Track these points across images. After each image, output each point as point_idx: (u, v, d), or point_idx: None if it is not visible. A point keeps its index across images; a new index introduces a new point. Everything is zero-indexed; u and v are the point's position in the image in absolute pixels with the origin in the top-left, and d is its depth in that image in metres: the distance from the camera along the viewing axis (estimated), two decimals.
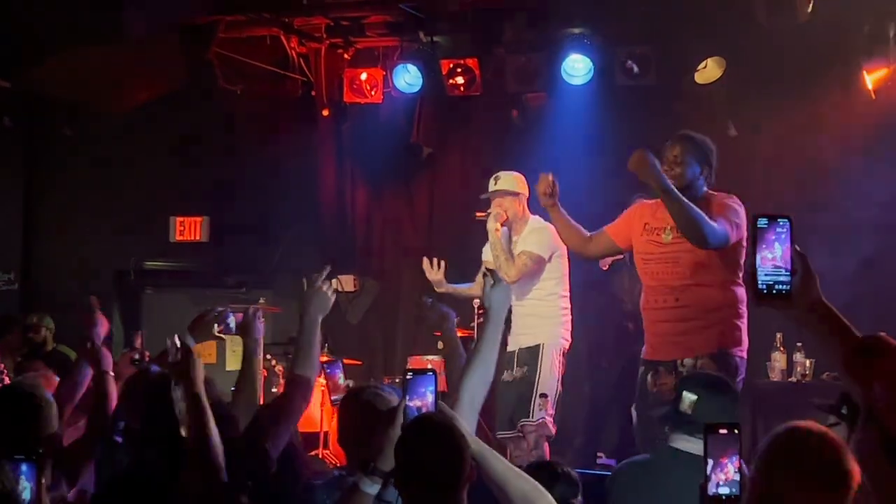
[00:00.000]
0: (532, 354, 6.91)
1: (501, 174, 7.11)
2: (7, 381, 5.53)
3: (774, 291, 2.39)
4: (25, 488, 2.67)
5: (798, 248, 2.41)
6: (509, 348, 7.01)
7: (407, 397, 3.23)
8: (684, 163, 5.88)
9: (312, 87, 10.36)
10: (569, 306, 7.06)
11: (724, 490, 2.63)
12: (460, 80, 9.45)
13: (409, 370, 3.31)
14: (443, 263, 7.30)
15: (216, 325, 4.51)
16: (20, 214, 11.07)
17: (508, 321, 7.01)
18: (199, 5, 9.58)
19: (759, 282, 2.39)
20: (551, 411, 6.85)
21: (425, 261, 7.39)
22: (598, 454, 8.48)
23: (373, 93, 9.87)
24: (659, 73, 8.85)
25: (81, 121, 10.61)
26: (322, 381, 9.06)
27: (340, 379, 9.06)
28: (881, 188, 7.96)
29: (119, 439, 4.34)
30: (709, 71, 8.81)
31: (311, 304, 4.09)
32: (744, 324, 5.91)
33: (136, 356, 5.33)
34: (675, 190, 5.66)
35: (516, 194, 7.04)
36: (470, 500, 3.18)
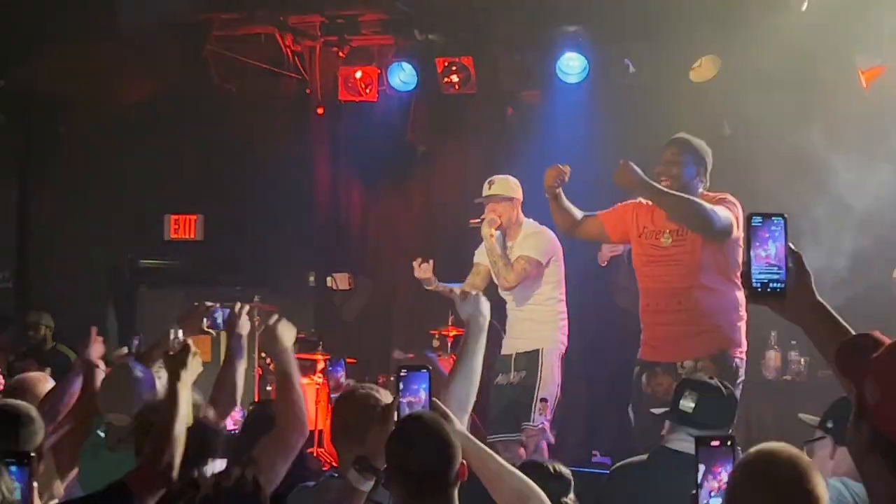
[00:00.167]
0: (531, 359, 6.88)
1: (495, 178, 7.05)
2: (1, 381, 5.52)
3: (769, 289, 2.39)
4: (15, 489, 2.68)
5: (792, 246, 2.41)
6: (505, 352, 7.01)
7: (400, 394, 3.22)
8: (681, 163, 5.92)
9: (307, 85, 10.37)
10: (566, 310, 7.04)
11: (715, 501, 2.64)
12: (455, 78, 9.44)
13: (403, 367, 3.31)
14: (431, 262, 7.22)
15: (204, 321, 4.51)
16: (14, 212, 11.05)
17: (504, 324, 7.03)
18: (193, 3, 9.57)
19: (754, 280, 2.39)
20: (550, 416, 6.83)
21: (415, 262, 7.29)
22: (593, 452, 8.49)
23: (368, 91, 9.86)
24: (654, 71, 8.85)
25: (76, 118, 10.60)
26: (317, 378, 9.08)
27: (342, 378, 9.10)
28: (877, 184, 7.96)
29: (102, 434, 4.36)
30: (703, 69, 8.81)
31: (280, 338, 4.05)
32: (743, 325, 5.92)
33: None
34: (664, 189, 5.72)
35: (510, 199, 6.98)
36: (465, 497, 3.18)
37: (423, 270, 7.22)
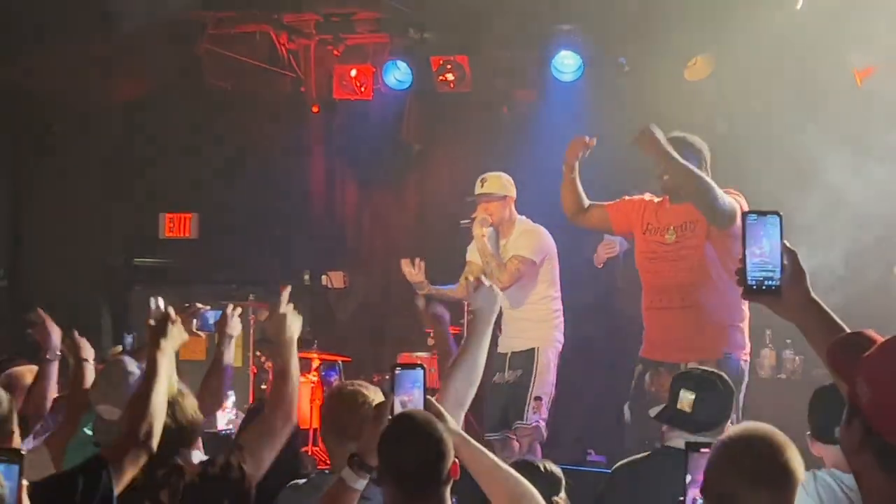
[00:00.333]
0: (527, 358, 6.86)
1: (488, 176, 6.99)
2: None
3: (764, 287, 2.40)
4: (4, 488, 2.67)
5: (787, 244, 2.41)
6: (500, 350, 6.97)
7: (394, 392, 3.22)
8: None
9: (302, 83, 10.36)
10: (561, 307, 7.01)
11: None
12: (450, 76, 9.44)
13: (397, 365, 3.30)
14: (422, 264, 7.09)
15: (194, 322, 4.51)
16: (8, 211, 11.03)
17: (499, 323, 7.01)
18: (188, 1, 9.55)
19: (749, 277, 2.40)
20: (545, 415, 6.80)
21: (404, 262, 7.12)
22: (588, 451, 8.49)
23: (362, 89, 9.86)
24: (648, 69, 8.85)
25: (70, 117, 10.57)
26: (311, 377, 9.08)
27: (336, 382, 9.10)
28: (872, 182, 7.96)
29: (90, 432, 4.36)
30: (698, 67, 8.81)
31: (285, 327, 3.95)
32: (746, 324, 5.90)
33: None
34: (680, 159, 5.70)
35: (503, 197, 6.93)
36: (460, 496, 3.18)
37: (415, 274, 7.05)
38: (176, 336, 3.66)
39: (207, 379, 4.55)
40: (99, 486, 3.20)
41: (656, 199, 6.14)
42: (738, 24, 8.36)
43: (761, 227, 2.41)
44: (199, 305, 4.62)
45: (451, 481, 3.04)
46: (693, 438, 3.96)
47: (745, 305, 5.84)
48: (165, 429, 3.48)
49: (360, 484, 3.18)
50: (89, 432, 4.36)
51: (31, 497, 2.74)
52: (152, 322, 3.74)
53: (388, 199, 10.69)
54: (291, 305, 3.96)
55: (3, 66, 9.55)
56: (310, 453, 8.61)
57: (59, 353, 4.90)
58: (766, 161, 8.74)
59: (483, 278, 3.78)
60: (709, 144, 6.11)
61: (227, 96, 10.29)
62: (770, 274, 2.39)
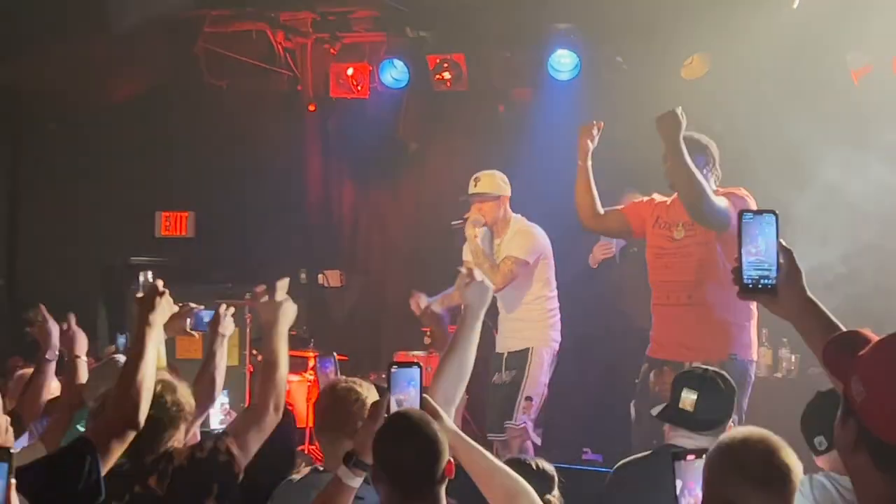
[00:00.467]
0: (521, 358, 6.83)
1: (481, 175, 6.93)
2: None
3: (760, 286, 2.40)
4: None
5: (783, 243, 2.42)
6: (498, 350, 6.98)
7: (390, 391, 3.22)
8: None
9: (298, 81, 10.36)
10: (557, 306, 6.98)
11: None
12: (447, 75, 9.44)
13: (394, 363, 3.30)
14: (423, 297, 6.76)
15: (188, 321, 4.50)
16: (5, 210, 11.03)
17: (495, 321, 6.99)
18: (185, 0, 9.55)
19: (745, 276, 2.41)
20: (534, 416, 6.76)
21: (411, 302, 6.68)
22: (584, 449, 8.49)
23: (359, 88, 9.86)
24: (645, 68, 8.86)
25: (66, 115, 10.57)
26: (308, 375, 9.08)
27: (332, 375, 9.08)
28: (869, 180, 7.97)
29: (83, 429, 4.36)
30: (695, 66, 8.81)
31: (279, 315, 3.96)
32: (754, 324, 5.87)
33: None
34: (685, 155, 5.69)
35: (497, 197, 6.87)
36: (457, 494, 3.18)
37: (421, 305, 6.92)
38: (165, 309, 3.61)
39: (199, 378, 4.55)
40: (85, 468, 3.18)
41: (667, 200, 6.14)
42: (734, 23, 8.36)
43: (757, 226, 2.41)
44: (193, 305, 4.62)
45: (447, 480, 3.04)
46: (694, 437, 3.98)
47: (754, 305, 5.80)
48: (156, 416, 3.45)
49: (356, 482, 3.18)
50: (82, 429, 4.37)
51: (17, 481, 2.72)
52: (140, 295, 3.70)
53: (384, 197, 10.69)
54: (287, 295, 3.98)
55: (1, 65, 9.54)
56: (306, 452, 8.60)
57: (57, 352, 4.89)
58: (762, 160, 8.75)
59: (475, 272, 3.76)
60: None
61: (223, 95, 10.29)
62: (766, 273, 2.40)
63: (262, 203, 10.54)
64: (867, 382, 2.03)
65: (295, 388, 9.09)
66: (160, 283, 3.64)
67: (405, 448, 3.02)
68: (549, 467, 3.97)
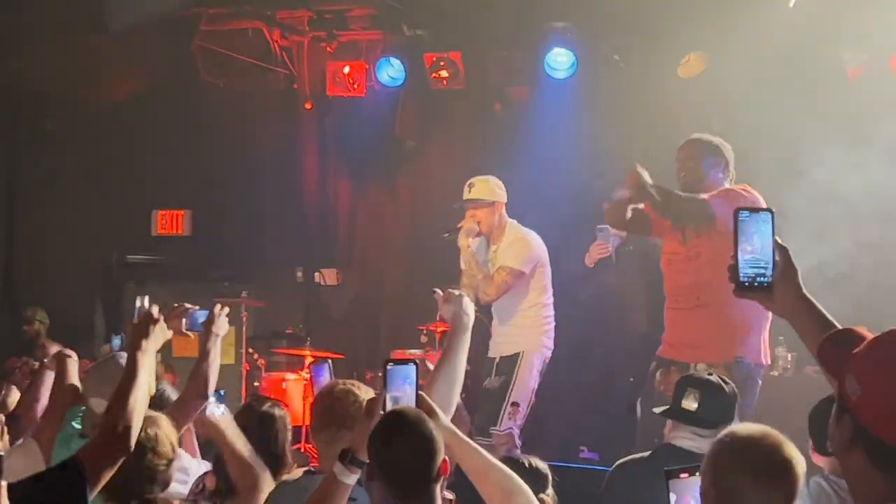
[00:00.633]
0: (511, 363, 6.74)
1: (475, 181, 6.78)
2: None
3: (756, 284, 2.40)
4: None
5: (779, 241, 2.42)
6: (490, 354, 6.90)
7: (386, 388, 3.22)
8: (694, 158, 6.04)
9: (295, 80, 10.35)
10: (552, 314, 6.89)
11: None
12: (444, 73, 9.44)
13: (390, 360, 3.30)
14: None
15: (183, 322, 4.51)
16: (2, 208, 11.02)
17: (490, 324, 6.94)
18: None
19: (741, 274, 2.41)
20: (520, 422, 6.66)
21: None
22: (581, 448, 8.49)
23: (356, 86, 9.85)
24: (642, 67, 8.85)
25: (63, 114, 10.57)
26: (304, 374, 9.08)
27: (326, 381, 9.08)
28: (865, 178, 7.97)
29: (77, 426, 4.36)
30: (692, 65, 8.81)
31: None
32: (766, 329, 5.86)
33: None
34: (664, 191, 5.83)
35: (491, 203, 6.72)
36: (458, 490, 3.18)
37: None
38: (158, 336, 3.62)
39: (192, 376, 4.55)
40: (73, 491, 3.18)
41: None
42: (731, 22, 8.36)
43: (753, 224, 2.42)
44: (188, 305, 4.62)
45: (442, 478, 3.04)
46: (695, 438, 4.01)
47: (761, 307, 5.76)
48: (137, 466, 3.45)
49: (352, 479, 3.18)
50: (78, 426, 4.37)
51: (9, 499, 2.72)
52: (136, 321, 3.72)
53: (381, 195, 10.68)
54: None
55: None
56: (302, 450, 8.59)
57: (67, 356, 4.89)
58: (759, 158, 8.75)
59: (451, 290, 3.82)
60: None
61: (220, 93, 10.28)
62: (762, 271, 2.40)
63: (259, 201, 10.53)
64: (862, 380, 2.03)
65: (291, 387, 9.09)
66: (155, 310, 3.66)
67: (401, 446, 3.02)
68: (542, 466, 3.98)
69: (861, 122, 8.19)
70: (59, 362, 4.80)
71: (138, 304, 3.90)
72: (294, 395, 8.90)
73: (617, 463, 4.34)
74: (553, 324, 6.92)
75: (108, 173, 10.68)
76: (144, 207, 10.83)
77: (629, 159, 9.06)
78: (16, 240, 11.10)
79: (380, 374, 3.27)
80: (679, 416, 4.13)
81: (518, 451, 6.48)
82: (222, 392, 4.50)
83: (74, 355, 4.86)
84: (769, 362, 6.07)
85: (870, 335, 2.13)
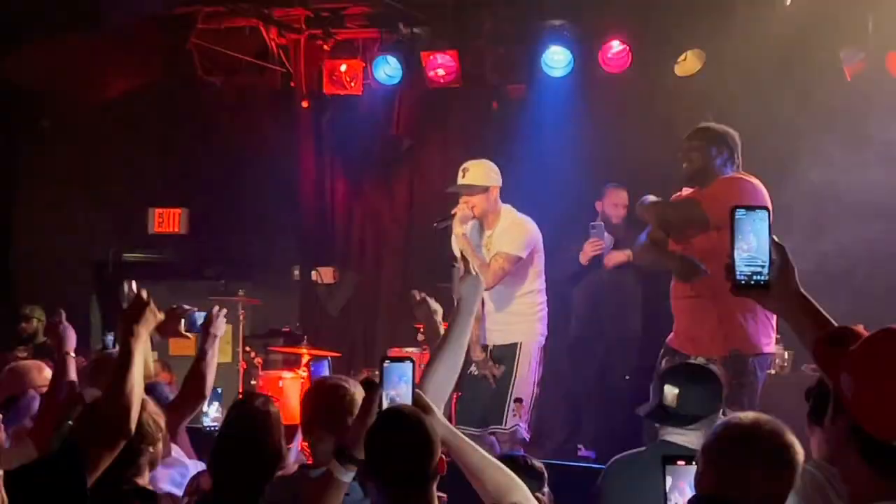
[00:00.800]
0: (507, 354, 6.65)
1: (470, 165, 6.68)
2: None
3: (752, 282, 2.40)
4: None
5: (776, 239, 2.42)
6: (481, 341, 6.75)
7: (383, 385, 3.22)
8: (697, 148, 5.99)
9: (292, 78, 10.34)
10: (545, 299, 6.81)
11: None
12: (440, 71, 9.43)
13: (386, 358, 3.30)
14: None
15: (182, 323, 4.50)
16: None
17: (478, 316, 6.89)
18: None
19: (738, 272, 2.41)
20: (525, 417, 6.58)
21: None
22: (579, 446, 8.50)
23: (353, 84, 9.83)
24: (638, 65, 8.85)
25: (59, 112, 10.56)
26: (301, 372, 9.07)
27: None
28: (862, 177, 7.98)
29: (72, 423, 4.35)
30: (688, 63, 8.81)
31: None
32: (758, 322, 5.82)
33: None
34: (658, 204, 6.07)
35: (486, 188, 6.60)
36: (448, 489, 3.18)
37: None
38: (150, 319, 3.61)
39: (190, 378, 4.55)
40: (71, 476, 3.18)
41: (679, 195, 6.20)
42: (728, 20, 8.37)
43: (750, 222, 2.41)
44: (187, 307, 4.61)
45: (438, 476, 3.04)
46: (683, 433, 3.99)
47: None
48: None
49: (348, 476, 3.18)
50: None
51: (5, 486, 2.72)
52: (125, 306, 3.71)
53: (378, 193, 10.67)
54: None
55: None
56: (300, 448, 8.59)
57: (73, 351, 4.88)
58: (755, 156, 8.74)
59: (470, 265, 3.79)
60: None
61: (217, 91, 10.27)
62: (759, 269, 2.40)
63: (256, 200, 10.52)
64: (857, 378, 2.03)
65: (288, 385, 9.08)
66: (144, 293, 3.64)
67: (397, 444, 3.02)
68: (538, 464, 3.98)
69: (858, 120, 8.21)
70: (59, 360, 4.79)
71: (126, 289, 3.88)
72: (291, 394, 8.90)
73: (612, 459, 4.34)
74: (546, 310, 6.82)
75: (104, 171, 10.67)
76: (141, 205, 10.82)
77: (625, 156, 9.12)
78: (12, 237, 11.09)
79: (376, 372, 3.27)
80: (659, 416, 4.12)
81: (522, 450, 6.48)
82: (219, 390, 4.50)
83: (73, 353, 4.85)
84: (769, 353, 6.04)
85: (865, 333, 2.13)
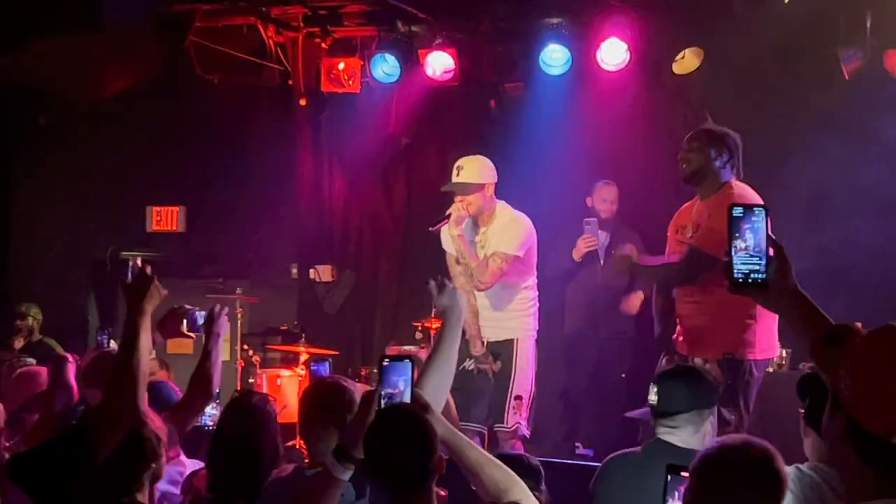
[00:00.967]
0: (505, 349, 6.65)
1: (464, 163, 6.62)
2: None
3: (750, 280, 2.40)
4: None
5: (773, 237, 2.41)
6: (479, 336, 6.73)
7: (382, 384, 3.22)
8: (693, 150, 5.98)
9: (290, 76, 10.33)
10: (537, 295, 6.80)
11: None
12: (439, 69, 9.42)
13: (385, 357, 3.30)
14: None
15: (184, 323, 4.50)
16: None
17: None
18: None
19: (735, 271, 2.41)
20: (526, 413, 6.59)
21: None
22: (577, 444, 8.51)
23: (350, 82, 9.82)
24: (636, 63, 8.85)
25: (57, 110, 10.54)
26: (299, 371, 9.07)
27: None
28: (860, 176, 7.99)
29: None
30: (686, 61, 8.81)
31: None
32: (756, 327, 5.83)
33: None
34: (646, 266, 6.21)
35: (481, 186, 6.55)
36: (448, 488, 3.18)
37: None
38: (154, 296, 3.61)
39: (196, 378, 4.54)
40: (78, 457, 3.18)
41: (687, 204, 6.20)
42: (726, 18, 8.37)
43: (747, 221, 2.41)
44: (188, 307, 4.61)
45: (437, 475, 3.04)
46: (672, 430, 4.04)
47: (754, 305, 5.75)
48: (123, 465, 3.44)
49: (346, 475, 3.18)
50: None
51: (16, 468, 2.72)
52: (129, 281, 3.69)
53: (376, 191, 10.67)
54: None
55: None
56: (297, 447, 8.59)
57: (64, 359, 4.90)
58: (753, 155, 8.75)
59: (446, 280, 3.81)
60: None
61: (214, 89, 10.25)
62: (756, 267, 2.40)
63: (253, 198, 10.52)
64: (854, 375, 2.03)
65: (286, 383, 9.08)
66: (149, 269, 3.64)
67: (397, 444, 3.02)
68: (534, 463, 3.99)
69: (856, 118, 8.21)
70: (55, 364, 4.79)
71: (130, 264, 3.88)
72: (289, 392, 8.89)
73: (607, 458, 4.36)
74: (537, 306, 6.82)
75: (101, 169, 10.66)
76: (138, 204, 10.82)
77: (621, 155, 9.12)
78: (9, 235, 11.08)
79: (375, 371, 3.27)
80: (652, 412, 4.18)
81: (522, 447, 6.46)
82: (217, 390, 4.50)
83: (70, 356, 4.86)
84: (769, 357, 6.05)
85: (863, 331, 2.13)
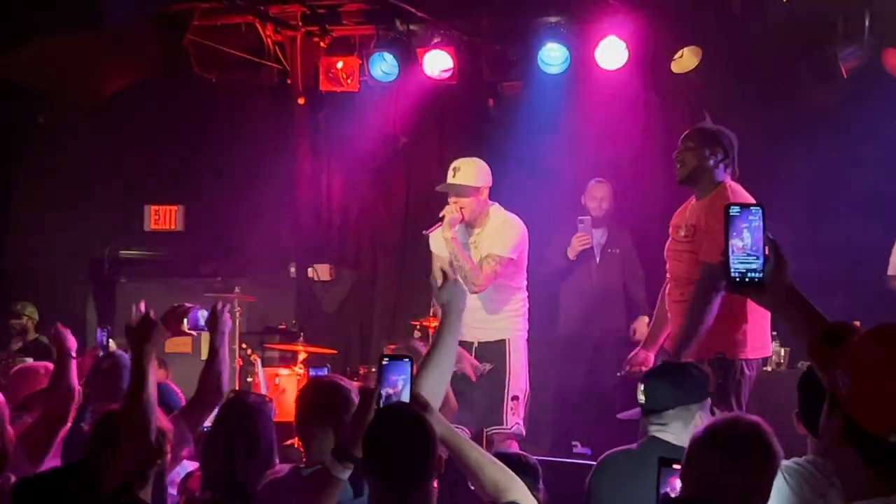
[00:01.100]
0: (498, 351, 6.60)
1: (461, 164, 6.56)
2: None
3: (747, 279, 2.40)
4: None
5: (770, 236, 2.42)
6: (465, 339, 6.52)
7: (381, 383, 3.22)
8: (689, 149, 5.97)
9: (288, 75, 10.33)
10: (527, 295, 6.76)
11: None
12: (437, 69, 9.41)
13: (385, 356, 3.30)
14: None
15: (185, 321, 4.51)
16: None
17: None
18: None
19: (732, 270, 2.41)
20: (522, 414, 6.57)
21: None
22: (574, 443, 8.50)
23: (349, 81, 9.81)
24: (635, 62, 8.85)
25: (55, 109, 10.54)
26: (298, 370, 9.07)
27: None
28: (859, 176, 7.99)
29: (86, 427, 4.35)
30: (685, 60, 8.81)
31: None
32: (747, 326, 5.83)
33: (101, 353, 5.34)
34: (679, 339, 5.89)
35: (476, 189, 6.49)
36: (447, 486, 3.18)
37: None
38: (158, 339, 3.69)
39: (206, 377, 4.53)
40: (84, 489, 3.22)
41: (684, 205, 6.18)
42: (725, 17, 8.37)
43: (744, 220, 2.41)
44: (189, 305, 4.61)
45: (436, 475, 3.05)
46: (662, 428, 4.06)
47: (745, 305, 5.75)
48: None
49: (346, 474, 3.18)
50: (85, 427, 4.36)
51: (20, 493, 2.75)
52: (133, 325, 3.75)
53: (374, 190, 10.66)
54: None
55: None
56: (296, 446, 8.59)
57: (74, 352, 4.90)
58: (751, 154, 8.75)
59: (448, 272, 3.79)
60: None
61: (213, 88, 10.25)
62: (753, 266, 2.40)
63: (252, 196, 10.51)
64: (852, 374, 2.03)
65: (284, 382, 9.08)
66: (152, 313, 3.72)
67: (397, 443, 3.02)
68: (532, 461, 3.99)
69: (854, 117, 8.22)
70: (59, 362, 4.77)
71: (134, 309, 3.95)
72: (287, 391, 8.89)
73: (602, 456, 4.37)
74: (527, 306, 6.78)
75: (100, 168, 10.66)
76: (137, 202, 10.82)
77: (620, 154, 9.11)
78: (7, 234, 11.07)
79: (374, 370, 3.28)
80: (643, 410, 4.20)
81: (519, 447, 6.42)
82: (227, 388, 4.51)
83: (74, 351, 4.86)
84: (760, 356, 6.05)
85: (861, 330, 2.14)
